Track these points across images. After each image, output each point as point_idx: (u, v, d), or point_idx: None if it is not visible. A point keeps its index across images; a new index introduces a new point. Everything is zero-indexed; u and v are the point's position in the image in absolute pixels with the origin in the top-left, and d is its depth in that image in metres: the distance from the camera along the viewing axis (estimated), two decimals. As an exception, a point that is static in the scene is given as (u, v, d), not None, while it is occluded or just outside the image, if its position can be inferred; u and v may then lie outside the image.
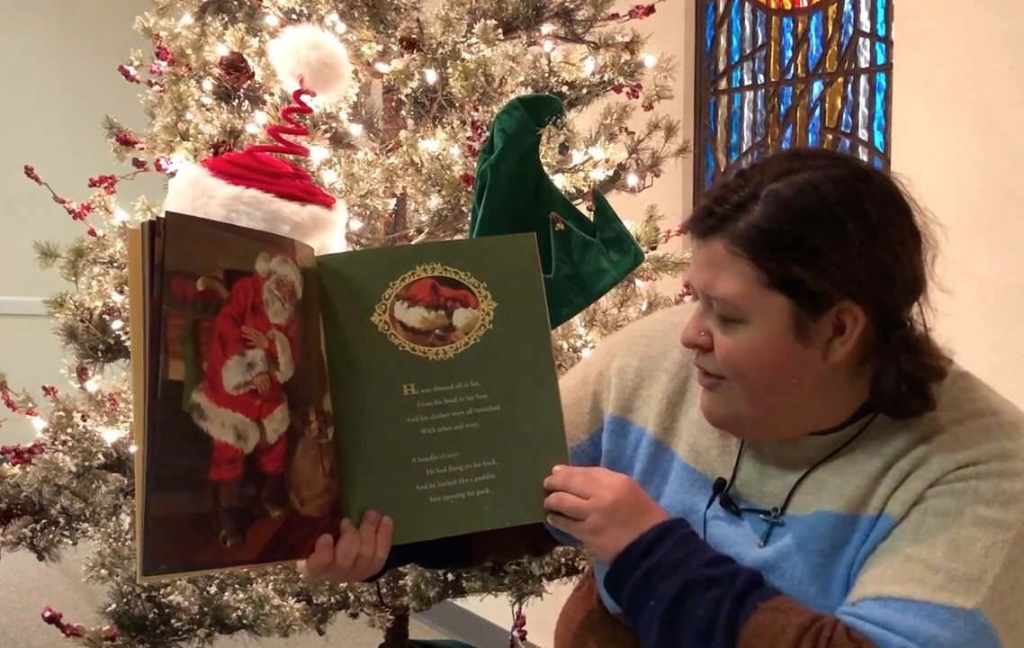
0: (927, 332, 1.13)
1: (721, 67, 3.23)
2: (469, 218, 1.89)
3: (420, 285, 1.20)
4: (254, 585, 1.94)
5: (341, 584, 2.02)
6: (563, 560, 2.20)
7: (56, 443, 2.10)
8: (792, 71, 3.02)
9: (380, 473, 1.16)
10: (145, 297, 1.02)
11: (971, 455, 1.06)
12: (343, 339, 1.17)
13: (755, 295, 1.06)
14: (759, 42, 3.12)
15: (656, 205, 2.39)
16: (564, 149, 2.13)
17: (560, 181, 2.17)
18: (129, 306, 1.02)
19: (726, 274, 1.07)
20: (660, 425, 1.24)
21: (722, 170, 3.22)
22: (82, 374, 2.20)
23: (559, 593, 1.68)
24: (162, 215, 1.07)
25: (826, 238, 1.04)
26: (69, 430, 2.10)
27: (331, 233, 2.03)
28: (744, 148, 3.18)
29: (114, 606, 1.95)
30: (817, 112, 2.95)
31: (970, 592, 1.01)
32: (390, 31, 2.22)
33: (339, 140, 2.26)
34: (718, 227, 1.08)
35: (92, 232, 2.29)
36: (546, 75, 2.27)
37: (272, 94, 2.12)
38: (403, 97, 2.24)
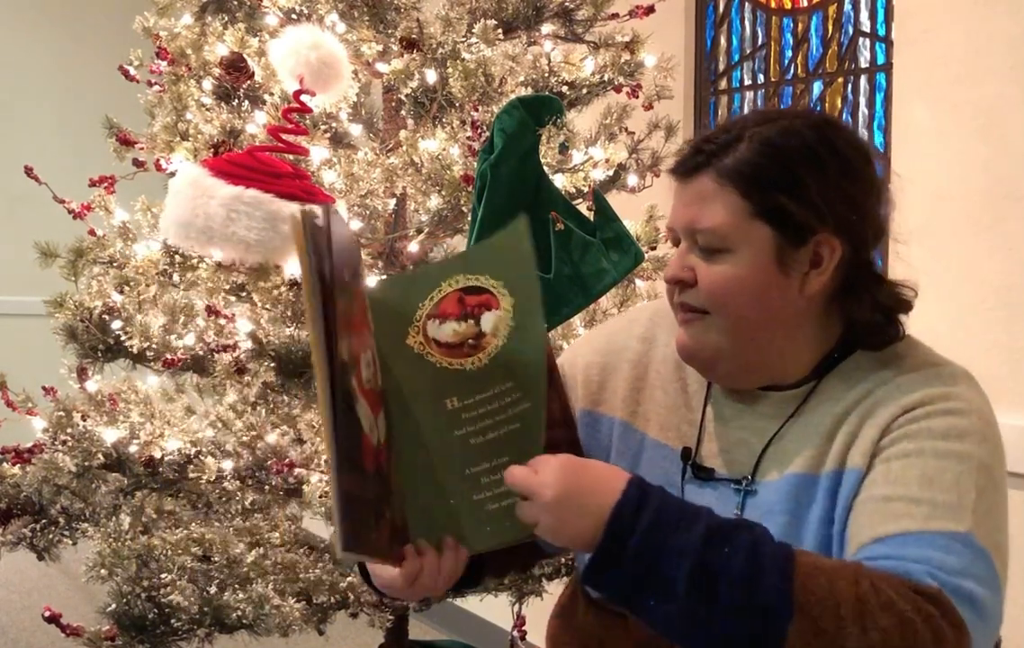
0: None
1: (721, 67, 3.22)
2: (469, 218, 1.89)
3: (448, 300, 1.20)
4: (254, 585, 1.94)
5: (341, 585, 2.02)
6: (563, 560, 2.20)
7: (56, 443, 2.10)
8: (792, 71, 3.02)
9: (436, 490, 1.16)
10: (314, 277, 0.99)
11: (916, 399, 1.11)
12: (384, 366, 1.18)
13: (742, 224, 1.13)
14: (759, 42, 3.12)
15: (656, 205, 2.38)
16: (564, 149, 2.13)
17: (560, 181, 2.17)
18: (304, 290, 1.01)
19: (715, 205, 1.14)
20: (627, 410, 1.29)
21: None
22: (82, 374, 2.20)
23: (559, 593, 1.68)
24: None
25: (808, 171, 1.13)
26: (69, 430, 2.10)
27: (331, 233, 2.02)
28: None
29: (114, 606, 1.95)
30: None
31: (958, 518, 1.04)
32: (390, 31, 2.22)
33: (339, 140, 2.26)
34: (705, 163, 1.15)
35: (92, 232, 2.29)
36: (546, 75, 2.27)
37: (272, 94, 2.12)
38: (403, 97, 2.24)
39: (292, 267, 1.97)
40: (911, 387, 1.12)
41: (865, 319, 1.15)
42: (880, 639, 0.93)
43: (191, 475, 2.05)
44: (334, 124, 2.23)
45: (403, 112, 2.31)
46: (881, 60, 2.77)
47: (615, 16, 2.41)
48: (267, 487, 2.05)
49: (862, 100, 2.83)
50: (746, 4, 3.14)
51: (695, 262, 1.17)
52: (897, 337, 1.17)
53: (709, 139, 1.16)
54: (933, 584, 0.99)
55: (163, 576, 1.94)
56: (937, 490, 1.05)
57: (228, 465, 2.06)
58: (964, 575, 1.00)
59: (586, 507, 1.03)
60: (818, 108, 2.93)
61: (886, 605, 0.95)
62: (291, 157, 2.01)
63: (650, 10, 2.41)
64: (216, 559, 2.01)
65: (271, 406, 2.16)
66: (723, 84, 3.22)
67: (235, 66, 2.12)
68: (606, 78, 2.33)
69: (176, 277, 2.11)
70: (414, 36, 2.15)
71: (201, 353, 2.08)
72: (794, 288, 1.14)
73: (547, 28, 2.35)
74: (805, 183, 1.12)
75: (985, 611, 1.00)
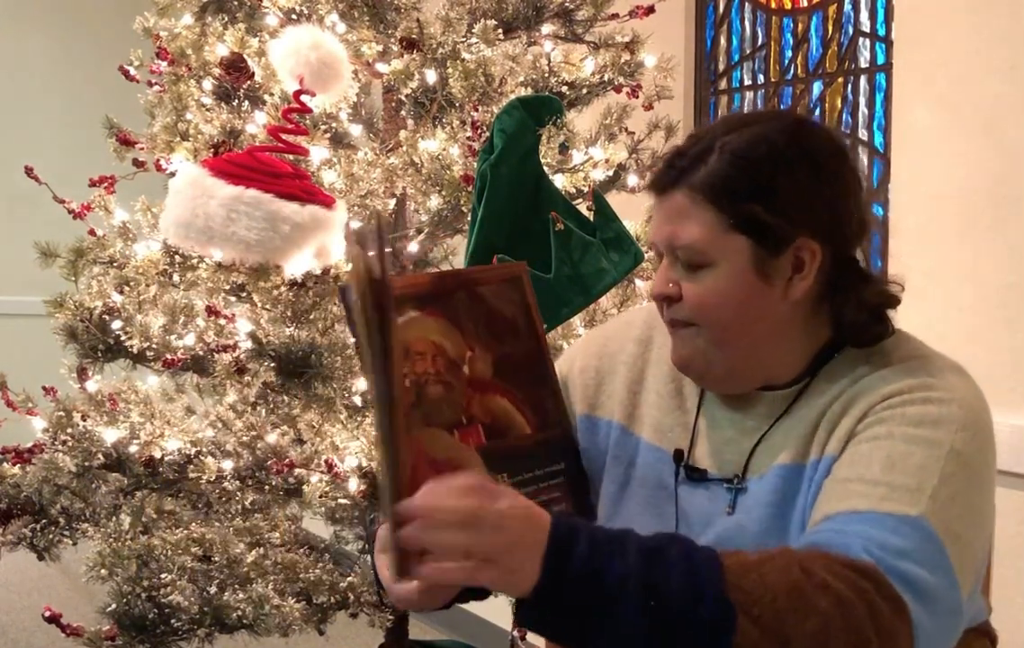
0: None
1: (721, 67, 3.22)
2: (469, 218, 1.89)
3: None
4: (254, 585, 1.94)
5: (341, 585, 2.02)
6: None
7: (56, 443, 2.10)
8: (792, 71, 3.02)
9: None
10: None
11: (895, 388, 1.11)
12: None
13: (718, 238, 1.13)
14: (759, 42, 3.12)
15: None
16: (564, 149, 2.13)
17: (560, 181, 2.17)
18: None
19: (690, 222, 1.14)
20: (624, 413, 1.29)
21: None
22: (82, 374, 2.20)
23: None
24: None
25: (780, 179, 1.12)
26: (69, 430, 2.10)
27: (331, 233, 2.03)
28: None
29: (114, 606, 1.95)
30: (817, 112, 2.95)
31: (912, 501, 1.03)
32: (390, 31, 2.22)
33: (339, 140, 2.26)
34: (678, 179, 1.15)
35: (92, 232, 2.29)
36: (546, 75, 2.27)
37: (272, 94, 2.12)
38: (403, 97, 2.24)
39: (292, 267, 1.97)
40: (894, 377, 1.12)
41: (852, 318, 1.15)
42: (820, 624, 0.92)
43: (191, 475, 2.05)
44: (334, 124, 2.23)
45: (403, 112, 2.31)
46: (881, 60, 2.77)
47: (615, 16, 2.41)
48: (267, 487, 2.05)
49: (862, 100, 2.83)
50: (746, 4, 3.14)
51: (678, 277, 1.17)
52: (886, 334, 1.16)
53: (680, 153, 1.16)
54: (868, 559, 0.98)
55: (163, 576, 1.94)
56: (898, 473, 1.04)
57: (228, 465, 2.06)
58: (905, 557, 0.99)
59: (526, 540, 0.93)
60: (817, 109, 2.93)
61: (820, 587, 0.94)
62: (291, 157, 2.01)
63: (650, 10, 2.41)
64: (216, 559, 2.01)
65: (271, 406, 2.16)
66: (723, 84, 3.22)
67: (235, 66, 2.12)
68: (606, 78, 2.33)
69: (176, 277, 2.11)
70: (414, 36, 2.15)
71: (201, 353, 2.08)
72: (778, 294, 1.14)
73: (547, 28, 2.34)
74: (777, 190, 1.11)
75: (928, 595, 0.98)
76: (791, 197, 1.11)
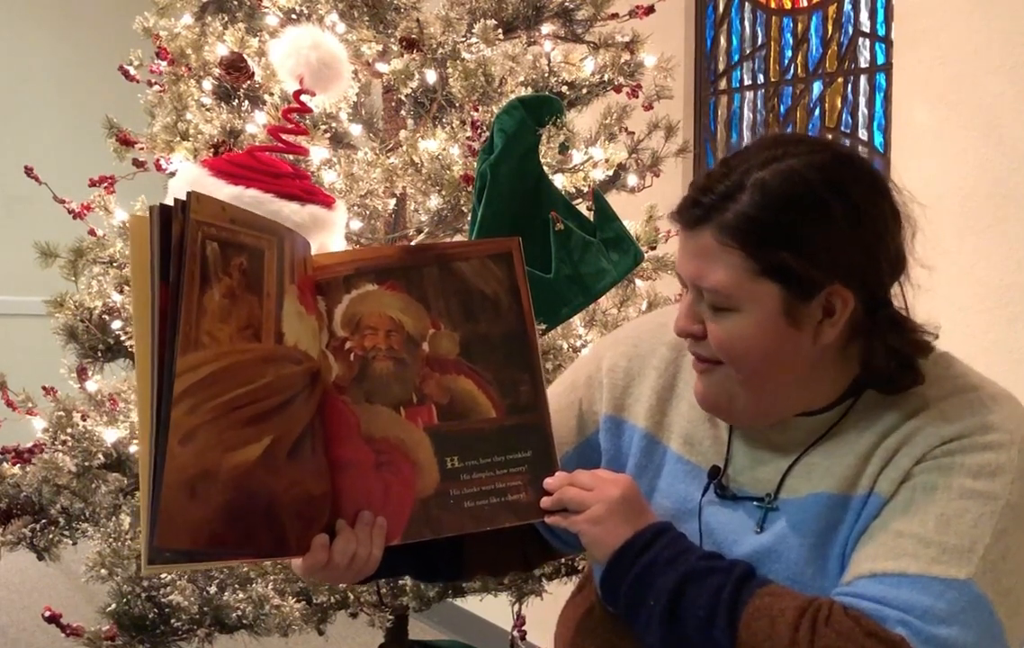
0: (907, 309, 1.15)
1: (721, 67, 3.22)
2: (469, 218, 1.89)
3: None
4: (254, 585, 1.94)
5: (341, 585, 2.02)
6: (563, 560, 2.20)
7: (56, 443, 2.09)
8: (792, 71, 3.02)
9: None
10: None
11: (955, 430, 1.08)
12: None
13: (746, 284, 1.08)
14: (759, 42, 3.12)
15: (656, 205, 2.38)
16: (564, 149, 2.13)
17: (560, 181, 2.17)
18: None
19: (717, 265, 1.09)
20: (651, 420, 1.25)
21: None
22: (82, 374, 2.20)
23: (559, 593, 1.68)
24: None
25: (813, 224, 1.07)
26: (69, 430, 2.10)
27: (331, 233, 2.04)
28: (744, 148, 3.17)
29: (114, 606, 1.95)
30: (817, 112, 2.95)
31: (962, 563, 1.03)
32: (390, 31, 2.22)
33: (339, 140, 2.26)
34: (705, 218, 1.09)
35: (92, 232, 2.29)
36: (546, 75, 2.27)
37: (272, 94, 2.12)
38: (403, 97, 2.24)
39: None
40: (953, 415, 1.09)
41: (881, 365, 1.10)
42: None
43: (191, 475, 2.05)
44: (334, 124, 2.23)
45: (403, 112, 2.31)
46: (881, 60, 2.77)
47: (615, 16, 2.41)
48: (267, 487, 2.05)
49: (862, 100, 2.83)
50: (746, 4, 3.14)
51: (703, 314, 1.13)
52: (915, 383, 1.11)
53: (708, 187, 1.10)
54: (899, 633, 1.00)
55: (163, 576, 1.94)
56: (951, 533, 1.03)
57: (228, 465, 2.05)
58: (948, 622, 1.00)
59: (628, 520, 1.15)
60: (817, 109, 2.93)
61: None
62: (291, 157, 2.01)
63: (650, 10, 2.41)
64: (216, 559, 2.01)
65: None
66: (723, 84, 3.22)
67: (235, 66, 2.12)
68: (606, 78, 2.33)
69: (176, 277, 2.10)
70: (414, 36, 2.15)
71: (201, 353, 2.08)
72: (807, 339, 1.09)
73: (547, 28, 2.35)
74: (809, 238, 1.06)
75: None
76: (823, 243, 1.06)
